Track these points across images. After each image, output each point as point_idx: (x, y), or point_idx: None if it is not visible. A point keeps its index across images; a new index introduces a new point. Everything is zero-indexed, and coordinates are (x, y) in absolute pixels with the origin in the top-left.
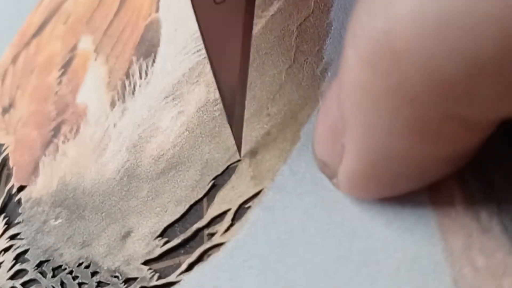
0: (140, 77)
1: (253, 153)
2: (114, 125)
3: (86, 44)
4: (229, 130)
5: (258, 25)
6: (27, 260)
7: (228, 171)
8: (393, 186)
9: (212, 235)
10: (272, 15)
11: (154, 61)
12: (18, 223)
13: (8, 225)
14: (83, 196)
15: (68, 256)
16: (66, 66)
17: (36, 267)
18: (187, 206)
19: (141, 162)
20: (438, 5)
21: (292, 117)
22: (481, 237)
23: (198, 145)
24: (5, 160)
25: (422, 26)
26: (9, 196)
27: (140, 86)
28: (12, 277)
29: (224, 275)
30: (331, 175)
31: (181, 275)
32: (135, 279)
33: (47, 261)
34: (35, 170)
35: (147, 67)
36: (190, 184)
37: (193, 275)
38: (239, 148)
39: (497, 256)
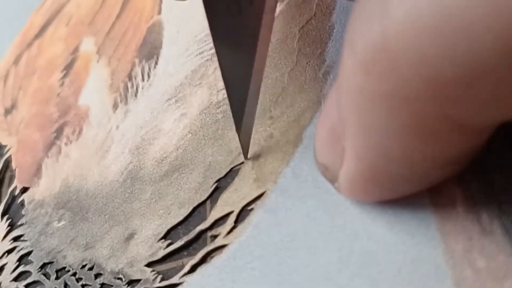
0: (143, 79)
1: (256, 155)
2: (117, 127)
3: (88, 46)
4: (231, 133)
5: None
6: (30, 262)
7: (231, 174)
8: (393, 188)
9: (215, 237)
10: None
11: (156, 63)
12: (21, 225)
13: (11, 226)
14: (86, 198)
15: (72, 258)
16: (68, 68)
17: (39, 269)
18: (190, 209)
19: (144, 164)
20: (434, 9)
21: (295, 119)
22: (482, 239)
23: (201, 148)
24: (8, 161)
25: (418, 30)
26: (12, 198)
27: (142, 88)
28: (15, 279)
29: (227, 277)
30: (333, 179)
31: (184, 277)
32: (138, 281)
33: (51, 263)
34: (37, 172)
35: (149, 69)
36: (193, 186)
37: (196, 277)
38: (245, 154)
39: (498, 258)
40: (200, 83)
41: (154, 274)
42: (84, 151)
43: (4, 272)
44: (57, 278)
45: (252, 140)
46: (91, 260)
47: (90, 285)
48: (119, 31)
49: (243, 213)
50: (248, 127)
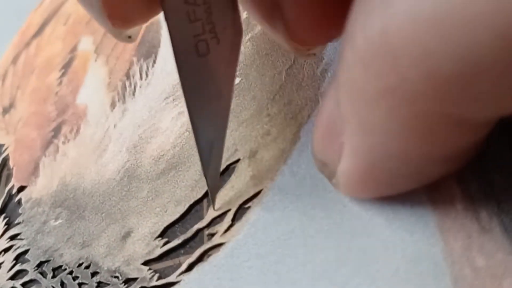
0: (141, 78)
1: (252, 153)
2: (115, 125)
3: (86, 45)
4: (228, 131)
5: (258, 26)
6: (27, 261)
7: (227, 171)
8: (391, 185)
9: (212, 235)
10: None
11: (154, 62)
12: (18, 223)
13: (8, 225)
14: (83, 196)
15: (68, 256)
16: (66, 66)
17: (36, 268)
18: (186, 206)
19: (141, 163)
20: (435, 5)
21: (292, 117)
22: (481, 237)
23: None
24: (5, 160)
25: (418, 25)
26: (9, 197)
27: (140, 87)
28: (12, 278)
29: (224, 275)
30: (330, 175)
31: (181, 275)
32: (135, 279)
33: (47, 261)
34: (35, 171)
35: (147, 68)
36: (190, 184)
37: (193, 275)
38: (213, 200)
39: (497, 256)
40: None
41: (151, 273)
42: (81, 149)
43: (1, 270)
44: (53, 276)
45: (249, 138)
46: (87, 258)
47: (86, 284)
48: None
49: (240, 211)
50: (216, 171)
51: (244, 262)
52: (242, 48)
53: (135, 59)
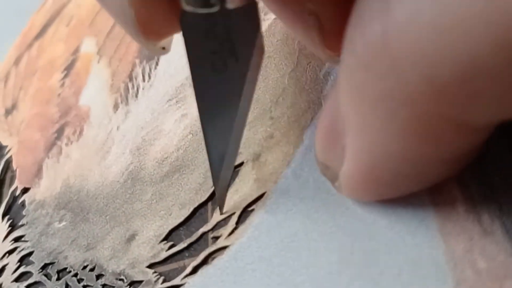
0: (143, 80)
1: (256, 156)
2: (118, 127)
3: (88, 46)
4: None
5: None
6: (31, 263)
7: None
8: (393, 187)
9: (216, 238)
10: (275, 18)
11: (157, 64)
12: (22, 225)
13: (12, 227)
14: (87, 198)
15: (73, 258)
16: (68, 68)
17: (40, 270)
18: (191, 209)
19: (145, 165)
20: (434, 9)
21: (295, 120)
22: (483, 240)
23: (201, 148)
24: (9, 162)
25: (418, 29)
26: (13, 198)
27: (143, 88)
28: (16, 280)
29: (228, 278)
30: (333, 178)
31: (186, 278)
32: (140, 282)
33: (52, 263)
34: (38, 172)
35: (150, 69)
36: (194, 187)
37: (198, 278)
38: (221, 208)
39: (498, 259)
40: None
41: (156, 276)
42: (84, 151)
43: (5, 272)
44: (58, 279)
45: (252, 141)
46: (92, 261)
47: (91, 286)
48: (120, 32)
49: (244, 214)
50: (225, 182)
51: (248, 265)
52: None
53: (137, 61)
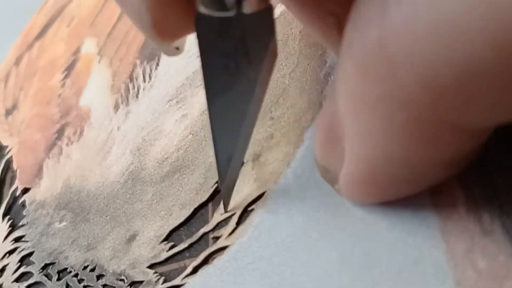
0: (144, 80)
1: (256, 156)
2: (118, 128)
3: (89, 47)
4: None
5: None
6: (32, 263)
7: None
8: (393, 190)
9: (217, 238)
10: (275, 18)
11: (158, 64)
12: (22, 225)
13: (13, 227)
14: (88, 199)
15: (73, 259)
16: (69, 68)
17: (41, 270)
18: (191, 210)
19: (145, 165)
20: (431, 13)
21: (296, 120)
22: (483, 239)
23: (202, 148)
24: (9, 162)
25: (416, 34)
26: (14, 199)
27: (144, 89)
28: (17, 280)
29: (229, 278)
30: (333, 181)
31: (186, 278)
32: (140, 282)
33: (52, 264)
34: (39, 173)
35: (151, 70)
36: (194, 187)
37: (198, 278)
38: (225, 206)
39: (499, 258)
40: (201, 84)
41: (157, 276)
42: (85, 152)
43: (6, 273)
44: (58, 279)
45: (253, 141)
46: (93, 261)
47: (92, 286)
48: (121, 32)
49: (244, 214)
50: (232, 181)
51: (248, 265)
52: None
53: (138, 62)
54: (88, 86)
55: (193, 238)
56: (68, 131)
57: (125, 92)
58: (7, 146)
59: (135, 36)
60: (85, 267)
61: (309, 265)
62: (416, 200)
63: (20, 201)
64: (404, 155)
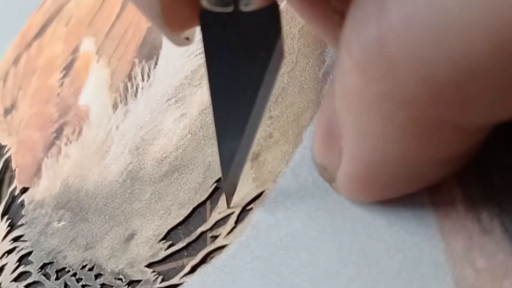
0: (143, 79)
1: (255, 155)
2: (117, 127)
3: (88, 46)
4: None
5: None
6: (30, 262)
7: None
8: (391, 188)
9: (215, 237)
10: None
11: (156, 63)
12: (21, 225)
13: (11, 227)
14: (86, 198)
15: (72, 258)
16: (68, 68)
17: (39, 269)
18: (190, 209)
19: (144, 165)
20: (430, 12)
21: (294, 119)
22: (482, 238)
23: (201, 148)
24: (8, 162)
25: (414, 32)
26: (12, 198)
27: (142, 88)
28: (15, 279)
29: (227, 277)
30: (331, 179)
31: (185, 277)
32: (138, 281)
33: (51, 263)
34: (37, 172)
35: (149, 69)
36: (193, 186)
37: (196, 277)
38: (228, 203)
39: (497, 257)
40: (200, 83)
41: (155, 275)
42: (84, 151)
43: (4, 272)
44: (57, 278)
45: None
46: (91, 260)
47: (90, 286)
48: (119, 31)
49: (243, 213)
50: (235, 178)
51: (246, 264)
52: None
53: (136, 61)
54: (86, 85)
55: (191, 237)
56: (67, 131)
57: (124, 91)
58: (5, 146)
59: (133, 35)
60: (84, 267)
61: (307, 264)
62: (414, 199)
63: (19, 200)
64: (402, 154)
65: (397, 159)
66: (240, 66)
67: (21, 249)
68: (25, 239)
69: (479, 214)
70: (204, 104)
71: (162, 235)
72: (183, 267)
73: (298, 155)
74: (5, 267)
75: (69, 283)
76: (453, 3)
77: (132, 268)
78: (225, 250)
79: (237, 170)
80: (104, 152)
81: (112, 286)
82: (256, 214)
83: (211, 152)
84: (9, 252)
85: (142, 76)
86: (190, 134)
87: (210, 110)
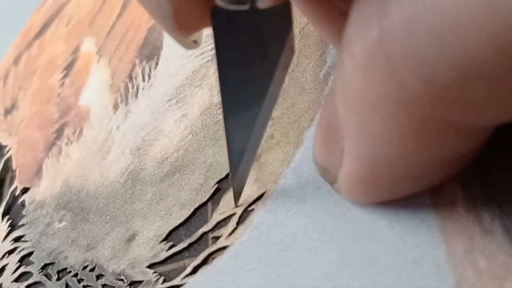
0: (143, 80)
1: (256, 156)
2: (117, 127)
3: (88, 46)
4: None
5: None
6: (31, 263)
7: None
8: (392, 189)
9: (216, 238)
10: None
11: (157, 63)
12: (22, 225)
13: (12, 227)
14: (87, 198)
15: (73, 259)
16: (68, 68)
17: (40, 270)
18: (191, 210)
19: (145, 165)
20: (432, 13)
21: (295, 120)
22: (483, 239)
23: (202, 149)
24: (8, 162)
25: (416, 33)
26: (13, 198)
27: (143, 88)
28: (16, 280)
29: (228, 278)
30: (332, 180)
31: (186, 278)
32: (140, 282)
33: (52, 263)
34: (38, 172)
35: (150, 69)
36: (195, 187)
37: (198, 278)
38: (236, 201)
39: (499, 258)
40: (201, 84)
41: (156, 276)
42: (84, 151)
43: (5, 273)
44: (58, 279)
45: None
46: (92, 261)
47: (91, 286)
48: (120, 32)
49: (244, 214)
50: (243, 176)
51: (248, 265)
52: None
53: (137, 61)
54: (87, 85)
55: (193, 237)
56: (68, 131)
57: (125, 92)
58: (6, 146)
59: (134, 35)
60: (85, 267)
61: (308, 265)
62: (416, 199)
63: (20, 201)
64: (404, 155)
65: (399, 160)
66: (251, 63)
67: (22, 250)
68: (26, 239)
69: (480, 215)
70: (205, 105)
71: (164, 236)
72: (184, 268)
73: (299, 156)
74: (6, 267)
75: (70, 284)
76: (455, 4)
77: (133, 268)
78: (226, 251)
79: (246, 167)
80: (105, 153)
81: (114, 286)
82: (258, 215)
83: (212, 153)
84: (10, 252)
85: (143, 76)
86: (191, 135)
87: (211, 111)
